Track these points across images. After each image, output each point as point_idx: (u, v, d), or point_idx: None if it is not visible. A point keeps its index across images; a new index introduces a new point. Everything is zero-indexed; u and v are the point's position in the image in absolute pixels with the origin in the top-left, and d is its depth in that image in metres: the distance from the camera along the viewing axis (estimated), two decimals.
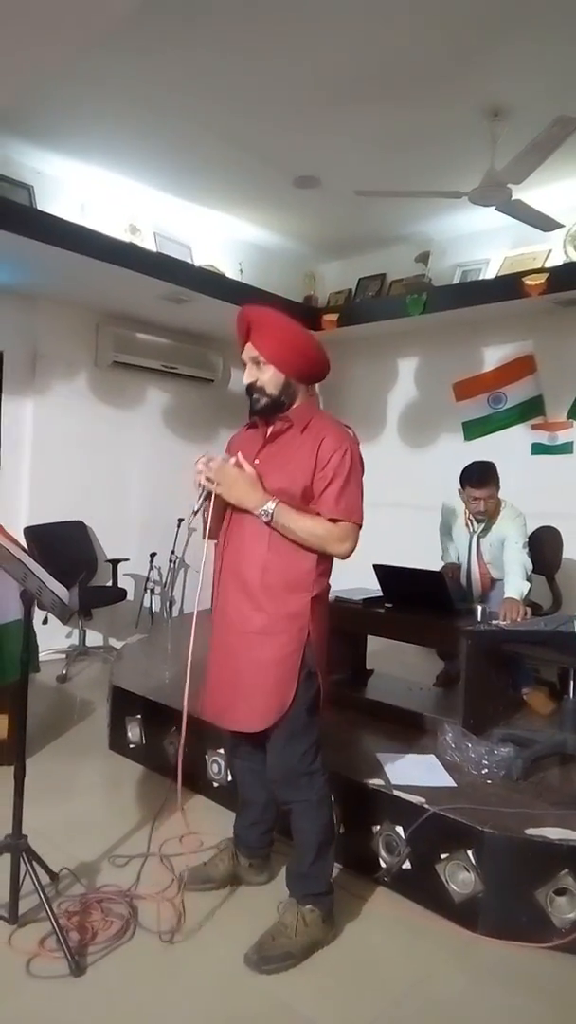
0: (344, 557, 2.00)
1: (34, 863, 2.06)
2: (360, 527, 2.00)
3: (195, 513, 2.01)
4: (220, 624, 2.08)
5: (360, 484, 2.02)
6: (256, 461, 2.03)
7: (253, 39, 3.00)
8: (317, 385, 2.22)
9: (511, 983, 1.97)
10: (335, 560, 2.07)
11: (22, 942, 1.99)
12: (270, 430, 2.08)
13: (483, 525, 3.55)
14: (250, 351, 2.04)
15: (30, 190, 4.12)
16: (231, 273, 5.15)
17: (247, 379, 2.06)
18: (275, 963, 1.94)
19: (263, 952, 1.95)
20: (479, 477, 3.45)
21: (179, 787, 2.16)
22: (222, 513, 2.05)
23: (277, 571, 1.97)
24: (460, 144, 3.77)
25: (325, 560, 2.04)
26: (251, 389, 2.05)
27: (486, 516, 3.51)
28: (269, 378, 2.02)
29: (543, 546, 3.95)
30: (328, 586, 2.09)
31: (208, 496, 1.98)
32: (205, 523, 2.05)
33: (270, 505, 1.92)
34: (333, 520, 1.96)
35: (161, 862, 2.43)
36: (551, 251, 4.56)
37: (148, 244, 4.63)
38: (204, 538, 2.08)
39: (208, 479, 1.97)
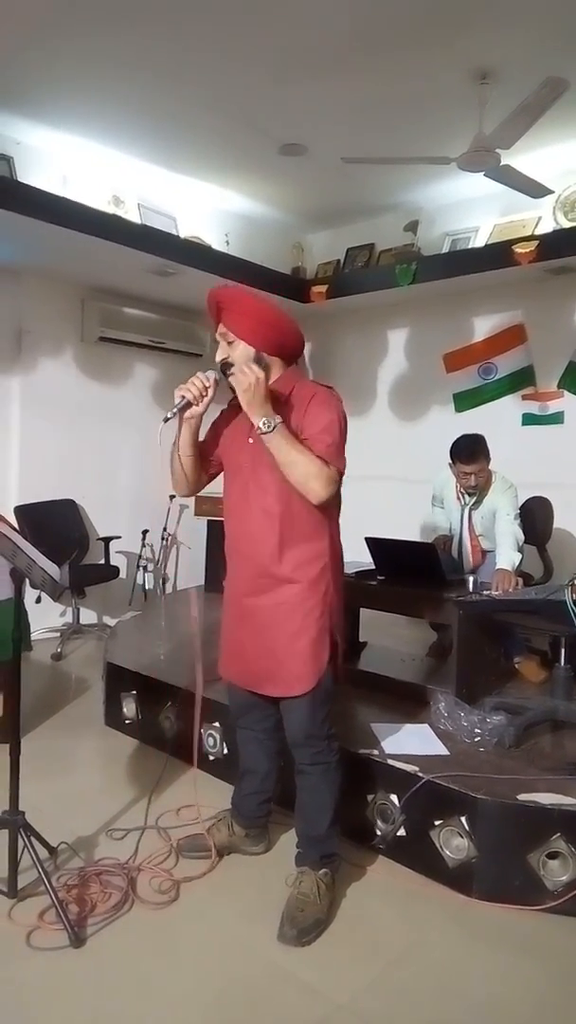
0: (318, 502, 1.94)
1: (32, 838, 2.07)
2: (342, 476, 1.99)
3: (166, 420, 2.02)
4: (237, 598, 2.10)
5: (345, 439, 2.00)
6: (250, 440, 2.03)
7: (235, 5, 2.91)
8: (308, 360, 2.19)
9: (505, 945, 2.01)
10: None
11: (22, 915, 2.01)
12: None
13: (475, 498, 3.54)
14: (221, 330, 2.06)
15: (10, 161, 4.02)
16: (217, 245, 5.07)
17: (218, 356, 2.07)
18: (311, 933, 1.98)
19: (297, 926, 1.97)
20: (468, 452, 3.42)
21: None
22: (194, 436, 2.09)
23: (292, 543, 2.00)
24: (447, 109, 3.69)
25: (334, 527, 2.09)
26: (224, 366, 2.05)
27: (478, 489, 3.50)
28: (239, 354, 2.02)
29: (534, 516, 3.96)
30: (341, 556, 2.13)
31: (185, 407, 2.02)
32: (175, 438, 2.08)
33: (277, 419, 1.89)
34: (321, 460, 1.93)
35: (159, 834, 2.45)
36: (540, 218, 4.50)
37: (132, 216, 4.54)
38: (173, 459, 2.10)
39: (193, 390, 1.99)
